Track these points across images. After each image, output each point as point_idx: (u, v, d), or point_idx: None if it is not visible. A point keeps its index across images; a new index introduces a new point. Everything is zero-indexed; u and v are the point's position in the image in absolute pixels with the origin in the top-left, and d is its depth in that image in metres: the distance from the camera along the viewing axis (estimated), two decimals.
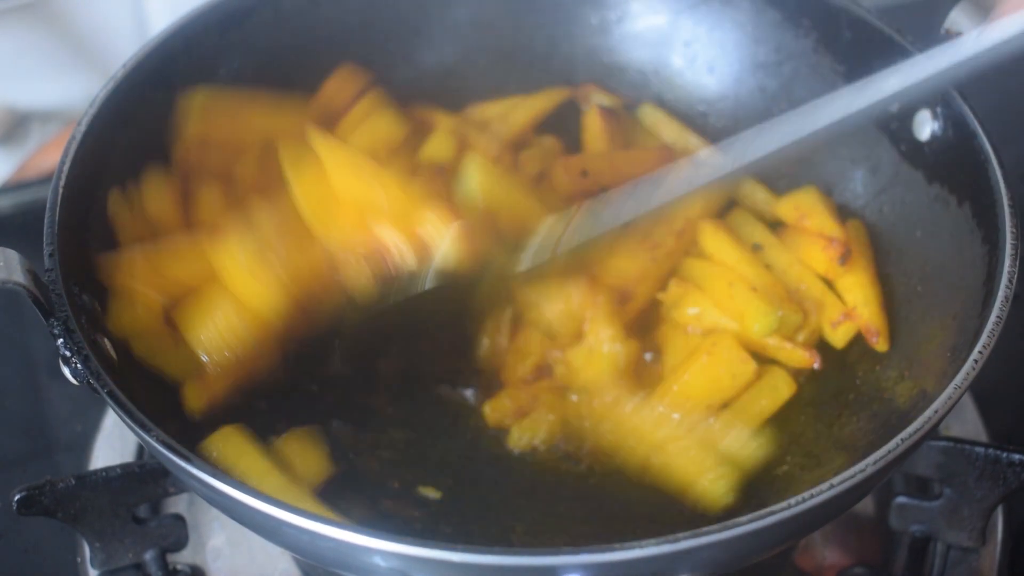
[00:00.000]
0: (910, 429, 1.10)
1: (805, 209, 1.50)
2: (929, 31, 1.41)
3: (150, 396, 1.26)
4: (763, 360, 1.42)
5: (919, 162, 1.44)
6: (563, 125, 1.65)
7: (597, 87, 1.67)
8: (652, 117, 1.65)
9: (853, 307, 1.43)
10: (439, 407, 1.43)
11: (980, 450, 1.35)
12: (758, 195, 1.55)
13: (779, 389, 1.40)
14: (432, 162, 1.50)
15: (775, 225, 1.53)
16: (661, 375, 1.42)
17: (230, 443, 1.27)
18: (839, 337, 1.44)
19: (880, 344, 1.42)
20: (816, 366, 1.41)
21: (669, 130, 1.63)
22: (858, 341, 1.46)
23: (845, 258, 1.44)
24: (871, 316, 1.42)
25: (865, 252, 1.48)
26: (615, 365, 1.39)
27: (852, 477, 1.06)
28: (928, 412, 1.11)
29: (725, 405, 1.39)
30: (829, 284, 1.46)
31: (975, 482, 1.36)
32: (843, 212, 1.54)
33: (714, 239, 1.48)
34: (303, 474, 1.29)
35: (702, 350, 1.39)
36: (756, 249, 1.49)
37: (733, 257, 1.46)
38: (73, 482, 1.32)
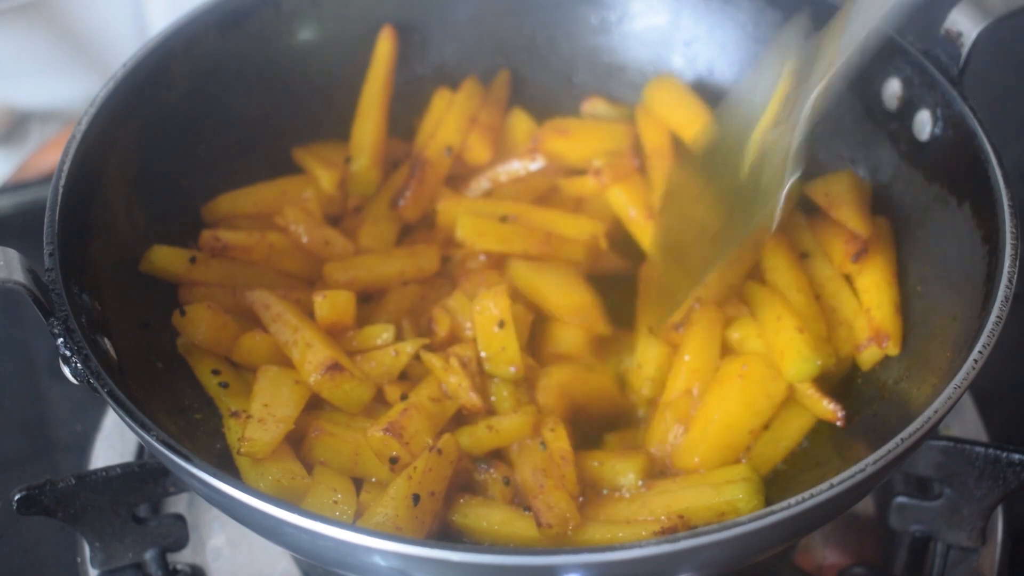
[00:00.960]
0: (910, 429, 1.10)
1: (835, 196, 1.48)
2: (929, 31, 1.41)
3: (150, 396, 1.27)
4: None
5: (919, 162, 1.44)
6: None
7: (602, 98, 1.67)
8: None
9: (867, 308, 1.43)
10: None
11: (980, 450, 1.35)
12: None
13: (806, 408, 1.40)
14: None
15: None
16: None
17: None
18: (865, 359, 1.43)
19: (891, 348, 1.40)
20: (839, 423, 1.38)
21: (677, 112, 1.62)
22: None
23: (859, 256, 1.43)
24: (883, 319, 1.41)
25: (886, 252, 1.46)
26: None
27: (852, 477, 1.06)
28: (928, 412, 1.11)
29: (766, 427, 1.38)
30: (848, 280, 1.46)
31: (975, 482, 1.36)
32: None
33: (775, 254, 1.47)
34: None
35: (734, 373, 1.38)
36: (803, 258, 1.48)
37: (786, 279, 1.45)
38: (73, 482, 1.32)
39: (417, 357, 1.41)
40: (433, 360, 1.38)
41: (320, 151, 1.60)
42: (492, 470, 1.33)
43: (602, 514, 1.29)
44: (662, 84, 1.64)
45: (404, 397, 1.35)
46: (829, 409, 1.38)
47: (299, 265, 1.49)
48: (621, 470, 1.33)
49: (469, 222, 1.50)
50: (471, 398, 1.35)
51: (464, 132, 1.60)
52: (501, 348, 1.39)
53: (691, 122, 1.59)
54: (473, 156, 1.60)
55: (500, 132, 1.63)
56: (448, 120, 1.60)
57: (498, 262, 1.50)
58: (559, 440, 1.33)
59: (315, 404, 1.35)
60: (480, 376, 1.39)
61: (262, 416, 1.29)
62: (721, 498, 1.26)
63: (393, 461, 1.28)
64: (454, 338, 1.43)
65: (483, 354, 1.40)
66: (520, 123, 1.65)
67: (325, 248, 1.50)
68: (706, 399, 1.37)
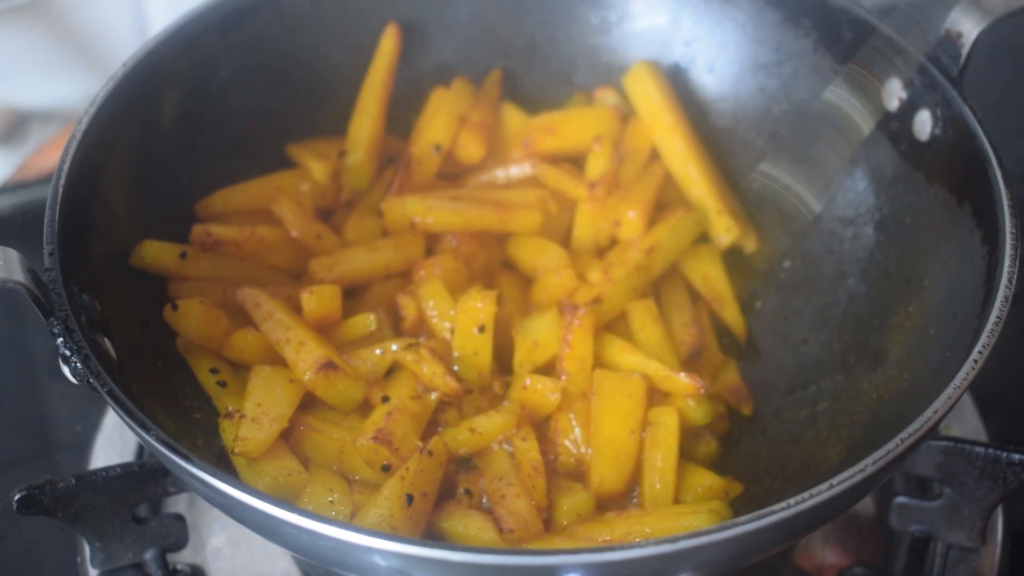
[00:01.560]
0: (910, 429, 1.09)
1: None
2: (929, 31, 1.41)
3: (150, 396, 1.27)
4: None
5: (919, 162, 1.44)
6: None
7: (613, 89, 1.66)
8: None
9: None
10: None
11: (980, 450, 1.35)
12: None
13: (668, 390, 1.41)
14: None
15: None
16: None
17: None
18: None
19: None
20: (702, 391, 1.39)
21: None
22: (857, 343, 1.46)
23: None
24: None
25: None
26: None
27: (852, 477, 1.06)
28: (928, 412, 1.11)
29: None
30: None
31: (975, 482, 1.36)
32: (840, 214, 1.54)
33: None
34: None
35: (595, 389, 1.38)
36: None
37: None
38: (73, 482, 1.32)
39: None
40: (405, 356, 1.38)
41: (314, 146, 1.60)
42: (461, 475, 1.33)
43: (571, 532, 1.30)
44: (638, 76, 1.63)
45: (386, 399, 1.35)
46: (685, 382, 1.38)
47: (287, 259, 1.49)
48: (567, 509, 1.32)
49: (417, 201, 1.50)
50: (447, 382, 1.36)
51: (453, 131, 1.60)
52: (474, 352, 1.39)
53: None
54: (466, 155, 1.60)
55: (492, 130, 1.63)
56: (437, 119, 1.60)
57: (465, 255, 1.50)
58: (530, 450, 1.33)
59: (308, 403, 1.35)
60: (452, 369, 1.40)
61: (256, 415, 1.29)
62: (683, 524, 1.25)
63: (385, 469, 1.29)
64: (421, 324, 1.43)
65: (456, 353, 1.40)
66: (511, 119, 1.65)
67: (316, 242, 1.50)
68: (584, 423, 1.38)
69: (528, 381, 1.39)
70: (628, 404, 1.37)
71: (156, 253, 1.40)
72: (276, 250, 1.48)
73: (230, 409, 1.32)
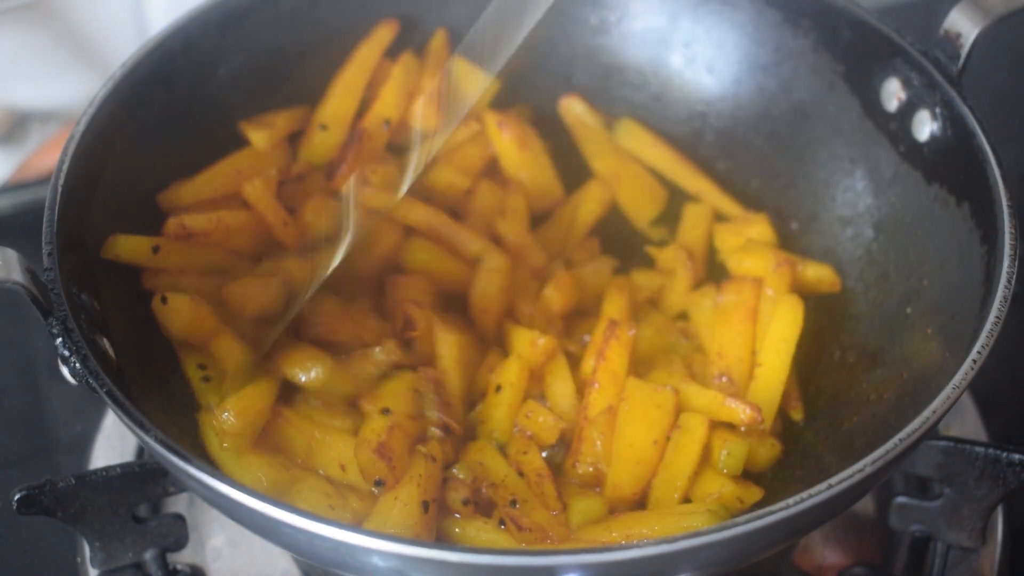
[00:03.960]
0: (908, 429, 1.10)
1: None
2: (929, 31, 1.41)
3: (149, 396, 1.27)
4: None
5: (919, 162, 1.44)
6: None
7: (581, 99, 1.67)
8: (630, 134, 1.66)
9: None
10: None
11: (980, 450, 1.35)
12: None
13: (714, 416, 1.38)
14: None
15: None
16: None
17: None
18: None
19: (796, 412, 1.44)
20: (760, 423, 1.35)
21: (648, 149, 1.65)
22: (855, 344, 1.46)
23: None
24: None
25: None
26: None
27: (851, 477, 1.06)
28: (926, 412, 1.11)
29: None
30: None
31: (975, 482, 1.36)
32: (839, 214, 1.55)
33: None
34: None
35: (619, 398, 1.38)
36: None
37: None
38: (73, 482, 1.32)
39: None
40: (405, 385, 1.38)
41: (260, 119, 1.58)
42: (451, 481, 1.33)
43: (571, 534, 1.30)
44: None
45: (386, 411, 1.34)
46: (748, 414, 1.35)
47: (248, 243, 1.48)
48: (579, 511, 1.32)
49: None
50: (447, 421, 1.36)
51: (403, 106, 1.59)
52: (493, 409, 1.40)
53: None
54: (421, 123, 1.59)
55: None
56: (385, 94, 1.59)
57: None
58: (534, 460, 1.34)
59: (288, 396, 1.35)
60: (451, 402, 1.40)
61: (239, 410, 1.28)
62: (682, 524, 1.25)
63: (379, 484, 1.28)
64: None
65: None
66: (459, 73, 1.59)
67: (283, 229, 1.49)
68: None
69: (530, 413, 1.38)
70: (656, 415, 1.35)
71: (131, 247, 1.37)
72: (238, 235, 1.47)
73: (210, 404, 1.32)
